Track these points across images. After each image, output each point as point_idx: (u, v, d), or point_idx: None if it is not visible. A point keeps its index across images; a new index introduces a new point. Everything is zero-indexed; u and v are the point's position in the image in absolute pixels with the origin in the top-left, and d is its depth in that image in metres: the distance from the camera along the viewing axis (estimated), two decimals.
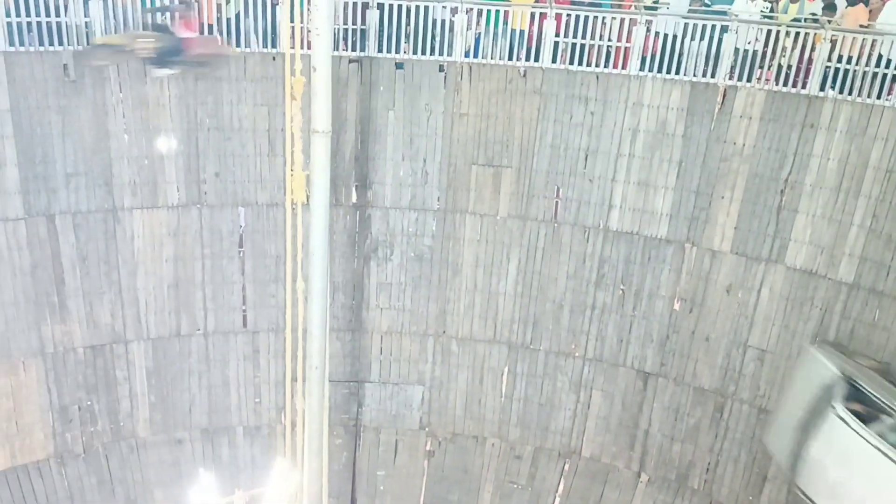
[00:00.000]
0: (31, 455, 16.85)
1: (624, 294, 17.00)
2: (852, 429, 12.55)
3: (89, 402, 17.09)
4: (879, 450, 12.11)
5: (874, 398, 12.67)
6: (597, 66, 16.08)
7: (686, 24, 15.66)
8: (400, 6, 16.16)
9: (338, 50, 16.07)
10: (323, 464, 14.81)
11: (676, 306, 16.76)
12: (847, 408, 12.75)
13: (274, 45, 16.31)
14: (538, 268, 17.25)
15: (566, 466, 18.05)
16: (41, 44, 15.30)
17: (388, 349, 18.11)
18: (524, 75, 16.33)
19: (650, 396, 17.22)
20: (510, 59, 16.38)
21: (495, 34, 16.36)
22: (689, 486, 17.15)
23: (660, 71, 15.84)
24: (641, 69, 15.93)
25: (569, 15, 15.97)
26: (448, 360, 18.07)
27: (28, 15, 15.18)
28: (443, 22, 16.37)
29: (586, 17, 15.92)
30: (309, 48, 14.85)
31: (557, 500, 18.20)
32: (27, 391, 16.55)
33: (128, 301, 16.94)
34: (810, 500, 13.39)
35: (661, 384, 17.14)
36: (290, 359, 14.33)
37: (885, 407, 12.46)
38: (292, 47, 13.04)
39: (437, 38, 16.41)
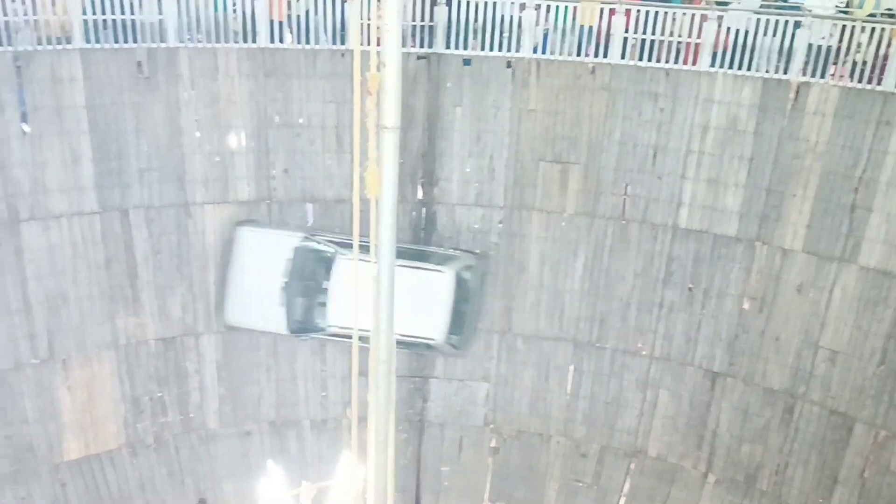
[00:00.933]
0: (104, 445, 18.03)
1: (692, 292, 17.54)
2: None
3: (160, 394, 18.23)
4: None
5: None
6: (666, 62, 16.62)
7: (758, 20, 16.10)
8: (469, 2, 16.87)
9: (406, 46, 16.84)
10: (389, 458, 15.59)
11: (746, 305, 17.26)
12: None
13: (343, 42, 17.18)
14: (605, 265, 17.87)
15: (632, 465, 18.66)
16: (116, 41, 16.41)
17: None
18: (593, 71, 16.97)
19: (718, 396, 17.73)
20: (579, 55, 16.99)
21: (564, 30, 16.99)
22: (757, 487, 17.64)
23: (731, 67, 16.31)
24: (712, 65, 16.43)
25: (638, 11, 16.52)
26: (513, 357, 18.79)
27: (104, 13, 16.27)
28: (511, 18, 17.04)
29: (656, 13, 16.47)
30: (378, 45, 15.82)
31: (623, 499, 18.80)
32: (101, 383, 17.73)
33: (199, 294, 18.03)
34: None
35: (729, 384, 17.62)
36: (357, 353, 15.19)
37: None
38: (362, 44, 13.78)
39: (506, 35, 17.09)
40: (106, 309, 17.41)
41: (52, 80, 16.12)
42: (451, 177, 17.88)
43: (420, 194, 18.08)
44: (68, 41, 16.16)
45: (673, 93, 16.64)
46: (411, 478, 19.40)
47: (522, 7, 16.84)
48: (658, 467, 18.40)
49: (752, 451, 17.61)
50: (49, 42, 16.01)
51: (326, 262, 17.13)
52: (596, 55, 16.90)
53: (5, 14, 15.60)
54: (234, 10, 16.82)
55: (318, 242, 17.27)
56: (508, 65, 17.15)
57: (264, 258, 17.13)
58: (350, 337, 15.39)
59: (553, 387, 18.75)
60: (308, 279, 17.31)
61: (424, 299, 16.73)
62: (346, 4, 16.90)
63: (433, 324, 17.13)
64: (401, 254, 15.59)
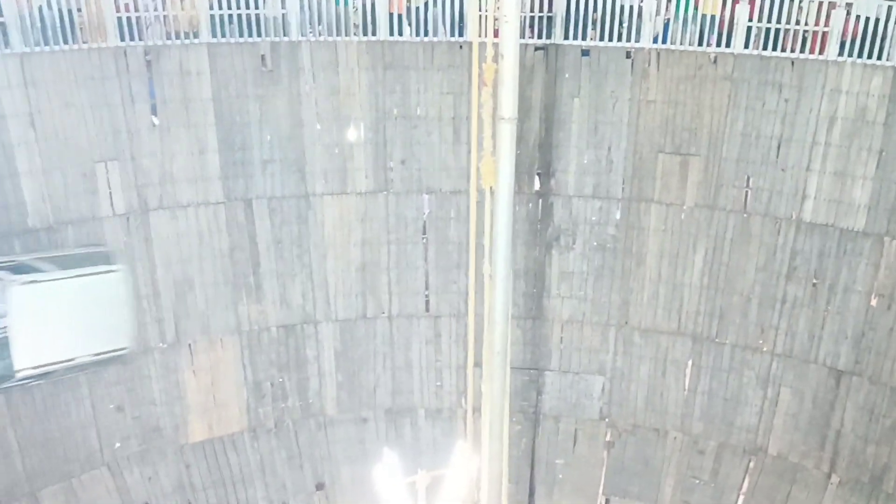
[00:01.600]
0: (227, 428, 19.19)
1: (817, 288, 17.54)
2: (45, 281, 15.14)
3: (281, 380, 19.30)
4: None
5: None
6: (792, 51, 16.64)
7: (889, 7, 15.94)
8: None
9: (524, 37, 17.29)
10: (504, 449, 16.19)
11: (873, 302, 17.16)
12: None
13: (461, 34, 17.80)
14: (726, 259, 18.03)
15: (751, 464, 18.79)
16: (241, 35, 17.40)
17: (569, 338, 19.37)
18: (714, 61, 17.15)
19: (843, 395, 17.71)
20: (700, 44, 17.16)
21: (685, 19, 17.18)
22: (883, 489, 17.51)
23: (860, 56, 16.24)
24: (840, 54, 16.39)
25: None
26: (630, 351, 19.15)
27: (230, 8, 17.26)
28: (631, 8, 17.33)
29: (782, 1, 16.48)
30: (496, 36, 16.37)
31: (741, 497, 18.92)
32: (224, 367, 18.88)
33: (318, 283, 19.00)
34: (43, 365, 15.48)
35: (855, 383, 17.56)
36: (472, 344, 15.86)
37: None
38: (482, 35, 14.31)
39: (625, 25, 17.39)
40: (230, 296, 18.51)
41: (180, 74, 17.20)
42: (568, 168, 18.31)
43: (536, 186, 18.54)
44: (196, 36, 17.20)
45: (798, 83, 16.66)
46: (525, 469, 19.96)
47: None
48: (778, 466, 18.47)
49: (878, 452, 17.49)
50: (177, 37, 17.07)
51: None
52: (718, 45, 17.02)
53: (136, 10, 16.70)
54: (355, 5, 17.60)
55: None
56: (628, 55, 17.45)
57: None
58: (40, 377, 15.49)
59: (670, 381, 19.03)
60: None
61: (101, 308, 15.91)
62: None
63: (120, 332, 16.40)
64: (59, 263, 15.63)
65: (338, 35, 17.56)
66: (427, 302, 19.31)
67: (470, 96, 16.70)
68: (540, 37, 17.62)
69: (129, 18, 16.52)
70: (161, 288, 17.86)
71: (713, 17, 16.97)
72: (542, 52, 17.64)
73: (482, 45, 13.84)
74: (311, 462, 19.66)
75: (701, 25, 17.06)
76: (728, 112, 17.13)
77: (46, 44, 15.96)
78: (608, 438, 19.60)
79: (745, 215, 17.61)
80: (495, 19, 16.79)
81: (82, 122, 16.43)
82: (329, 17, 17.52)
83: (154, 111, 17.09)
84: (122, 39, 16.50)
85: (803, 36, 16.53)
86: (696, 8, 17.03)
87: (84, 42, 16.28)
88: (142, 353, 17.94)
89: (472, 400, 16.40)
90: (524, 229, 18.53)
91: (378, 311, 19.26)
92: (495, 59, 13.35)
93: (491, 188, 14.01)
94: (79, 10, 16.11)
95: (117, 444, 18.01)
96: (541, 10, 17.48)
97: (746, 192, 17.49)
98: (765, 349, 18.12)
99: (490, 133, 13.72)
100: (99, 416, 17.69)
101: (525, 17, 17.34)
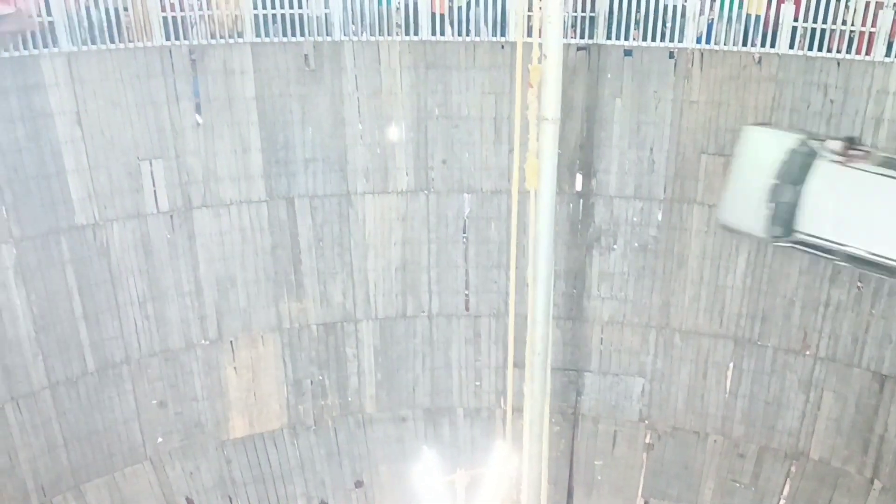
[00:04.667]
0: (267, 424, 19.43)
1: (861, 292, 17.37)
2: (850, 167, 15.74)
3: (321, 377, 19.50)
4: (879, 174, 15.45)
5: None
6: (838, 51, 16.47)
7: None
8: None
9: (566, 38, 17.30)
10: (543, 449, 16.24)
11: None
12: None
13: (503, 34, 17.87)
14: (769, 261, 17.90)
15: (793, 468, 18.70)
16: (284, 35, 17.59)
17: (609, 339, 19.37)
18: (759, 62, 17.07)
19: (887, 400, 17.52)
20: (744, 45, 17.05)
21: (729, 19, 17.13)
22: None
23: None
24: (888, 55, 16.17)
25: None
26: (670, 353, 19.11)
27: (273, 7, 17.46)
28: (674, 7, 17.28)
29: (828, 1, 16.34)
30: (539, 36, 16.40)
31: (782, 501, 18.76)
32: (265, 364, 19.11)
33: (358, 282, 19.16)
34: (816, 237, 16.18)
35: None
36: (513, 344, 15.93)
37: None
38: (528, 35, 14.34)
39: (668, 24, 17.36)
40: (271, 293, 18.73)
41: (224, 73, 17.45)
42: (610, 168, 18.31)
43: (578, 186, 18.57)
44: (240, 35, 17.42)
45: (844, 84, 16.50)
46: (564, 470, 20.00)
47: None
48: (820, 471, 18.37)
49: None
50: (222, 36, 17.31)
51: (809, 164, 16.04)
52: (763, 45, 16.92)
53: (182, 10, 16.96)
54: (398, 4, 17.73)
55: (814, 145, 16.19)
56: (671, 55, 17.42)
57: (763, 159, 16.50)
58: (824, 251, 16.32)
59: (711, 384, 18.97)
60: (795, 183, 16.18)
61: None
62: None
63: None
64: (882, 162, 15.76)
65: (380, 35, 17.69)
66: (467, 301, 19.40)
67: (511, 96, 16.81)
68: (582, 37, 17.62)
69: (174, 18, 16.77)
70: (204, 285, 18.13)
71: (758, 16, 16.87)
72: (584, 52, 17.65)
73: (525, 46, 13.88)
74: (350, 460, 19.83)
75: (745, 25, 16.97)
76: (772, 113, 17.03)
77: (93, 43, 16.26)
78: (648, 440, 19.59)
79: None
80: (539, 19, 16.95)
81: (128, 121, 16.72)
82: (372, 16, 17.65)
83: (198, 110, 17.34)
84: (168, 39, 16.76)
85: (850, 36, 16.38)
86: (740, 7, 16.93)
87: (130, 41, 16.57)
88: (184, 349, 18.19)
89: (511, 400, 16.44)
90: (565, 229, 18.56)
91: (418, 310, 19.38)
92: (539, 59, 13.37)
93: (535, 189, 14.02)
94: (125, 9, 16.38)
95: (160, 439, 18.31)
96: (583, 10, 17.48)
97: None
98: (807, 353, 18.01)
99: (533, 133, 13.73)
100: (142, 410, 18.00)
101: (568, 17, 17.36)
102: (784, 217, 16.32)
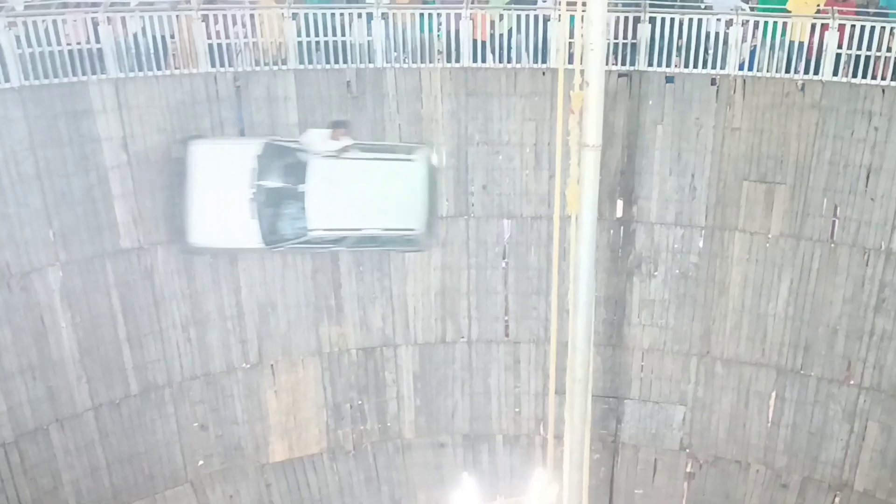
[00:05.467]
0: (307, 449, 19.48)
1: None
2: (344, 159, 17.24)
3: (360, 402, 19.53)
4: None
5: None
6: (882, 78, 16.38)
7: None
8: (672, 19, 17.24)
9: (608, 64, 17.27)
10: (584, 478, 16.12)
11: None
12: None
13: (544, 61, 17.93)
14: (812, 290, 17.75)
15: (837, 499, 18.37)
16: (327, 62, 17.78)
17: (650, 367, 19.24)
18: (802, 89, 16.98)
19: None
20: (787, 72, 16.98)
21: (772, 46, 17.09)
22: None
23: None
24: None
25: (853, 26, 16.37)
26: (712, 382, 18.93)
27: (316, 35, 17.67)
28: (717, 34, 17.28)
29: (872, 28, 16.27)
30: (581, 63, 16.42)
31: None
32: (305, 388, 19.19)
33: (397, 307, 19.20)
34: (329, 229, 17.20)
35: None
36: (553, 371, 15.86)
37: None
38: (569, 62, 14.35)
39: (710, 51, 17.34)
40: (311, 318, 18.82)
41: (267, 99, 17.66)
42: (651, 195, 18.25)
43: (619, 212, 18.54)
44: (283, 62, 17.63)
45: (889, 111, 16.38)
46: (604, 499, 19.85)
47: (729, 23, 17.03)
48: (865, 503, 18.10)
49: None
50: (266, 63, 17.54)
51: (298, 164, 16.85)
52: (806, 72, 16.85)
53: (227, 37, 17.22)
54: (439, 32, 17.88)
55: (284, 142, 17.07)
56: (713, 82, 17.37)
57: (225, 171, 16.71)
58: (331, 242, 17.22)
59: (753, 413, 18.78)
60: (279, 185, 16.85)
61: (399, 190, 17.35)
62: (549, 23, 17.56)
63: (412, 214, 17.45)
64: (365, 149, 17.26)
65: (422, 62, 17.79)
66: (506, 327, 19.39)
67: (552, 122, 16.85)
68: (624, 63, 17.61)
69: (219, 45, 17.03)
70: (245, 309, 18.28)
71: (801, 43, 16.81)
72: (625, 78, 17.64)
73: (566, 73, 13.88)
74: (389, 485, 19.84)
75: (788, 52, 16.90)
76: (815, 140, 16.93)
77: (140, 69, 16.56)
78: (689, 469, 19.41)
79: (832, 245, 17.36)
80: (580, 46, 16.98)
81: (172, 146, 16.91)
82: (413, 43, 17.78)
83: (242, 135, 17.51)
84: (213, 66, 17.01)
85: (894, 63, 16.27)
86: (783, 35, 16.86)
87: (176, 68, 16.84)
88: (225, 372, 18.34)
89: (552, 427, 16.36)
90: (605, 256, 18.51)
91: (457, 336, 19.39)
92: (580, 86, 13.37)
93: (576, 214, 13.99)
94: (172, 37, 16.67)
95: (200, 462, 18.43)
96: (625, 37, 17.48)
97: (834, 221, 17.24)
98: (851, 382, 17.79)
99: (574, 160, 13.72)
100: (183, 433, 18.14)
101: (609, 44, 17.31)
102: (279, 221, 16.85)
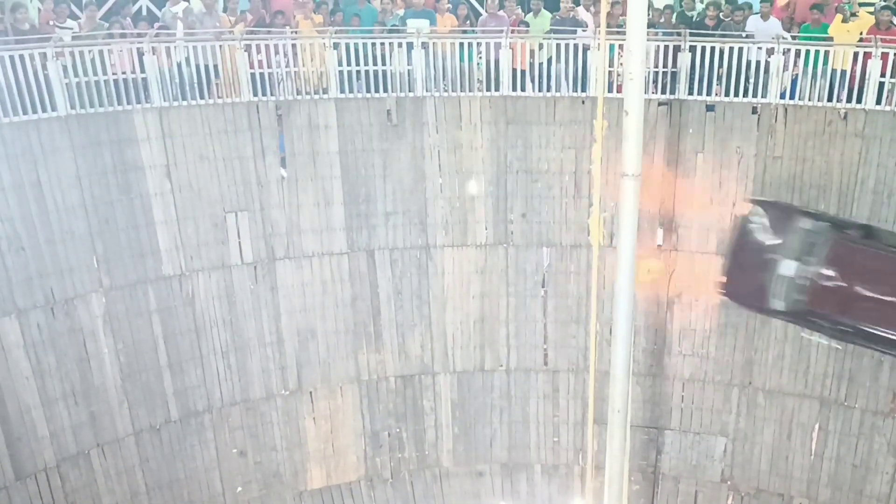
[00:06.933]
0: (345, 476, 19.49)
1: None
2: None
3: (398, 430, 19.52)
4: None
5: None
6: None
7: None
8: (713, 48, 17.22)
9: (647, 93, 17.26)
10: None
11: None
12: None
13: (584, 89, 17.96)
14: None
15: None
16: (368, 91, 17.94)
17: (690, 397, 19.05)
18: (844, 117, 16.84)
19: None
20: (829, 100, 16.86)
21: (814, 74, 17.01)
22: None
23: None
24: None
25: None
26: (753, 413, 18.68)
27: (357, 64, 17.85)
28: (758, 63, 17.23)
29: None
30: (619, 91, 16.48)
31: None
32: (343, 415, 19.22)
33: (436, 334, 19.22)
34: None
35: None
36: (592, 400, 15.80)
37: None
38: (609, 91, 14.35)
39: (751, 80, 17.29)
40: (350, 345, 18.89)
41: (308, 128, 17.84)
42: (692, 224, 18.14)
43: (659, 240, 18.44)
44: (325, 91, 17.83)
45: None
46: None
47: (770, 52, 16.97)
48: None
49: None
50: (307, 92, 17.73)
51: None
52: (849, 100, 16.72)
53: (269, 66, 17.44)
54: (479, 61, 17.97)
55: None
56: (754, 110, 17.28)
57: None
58: None
59: (796, 445, 18.50)
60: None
61: None
62: (588, 52, 17.61)
63: None
64: None
65: (461, 91, 17.92)
66: (545, 356, 19.31)
67: (591, 151, 16.80)
68: (664, 92, 17.60)
69: (261, 75, 17.23)
70: (285, 335, 18.38)
71: (843, 72, 16.71)
72: (665, 107, 17.59)
73: (606, 101, 13.94)
74: None
75: (830, 81, 16.79)
76: (859, 169, 16.76)
77: (184, 98, 16.79)
78: (730, 502, 19.16)
79: None
80: (619, 75, 17.05)
81: (215, 174, 17.17)
82: (453, 73, 17.90)
83: (283, 164, 17.73)
84: (255, 95, 17.23)
85: None
86: (825, 63, 16.76)
87: (219, 97, 17.07)
88: (264, 399, 18.42)
89: (592, 457, 16.27)
90: (645, 284, 18.35)
91: (496, 364, 19.34)
92: (616, 115, 13.48)
93: (604, 243, 14.08)
94: (215, 66, 16.86)
95: (239, 489, 18.49)
96: (665, 66, 17.47)
97: None
98: None
99: (596, 189, 13.85)
100: (222, 459, 18.22)
101: (649, 73, 17.35)
102: None
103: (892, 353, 15.65)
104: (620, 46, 16.23)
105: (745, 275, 16.34)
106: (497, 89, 17.94)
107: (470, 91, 17.98)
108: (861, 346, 16.48)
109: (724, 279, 16.74)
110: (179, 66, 16.82)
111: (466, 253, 18.80)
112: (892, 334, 15.23)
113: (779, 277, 15.71)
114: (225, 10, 18.85)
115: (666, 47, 17.42)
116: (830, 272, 15.41)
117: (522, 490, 19.86)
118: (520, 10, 19.49)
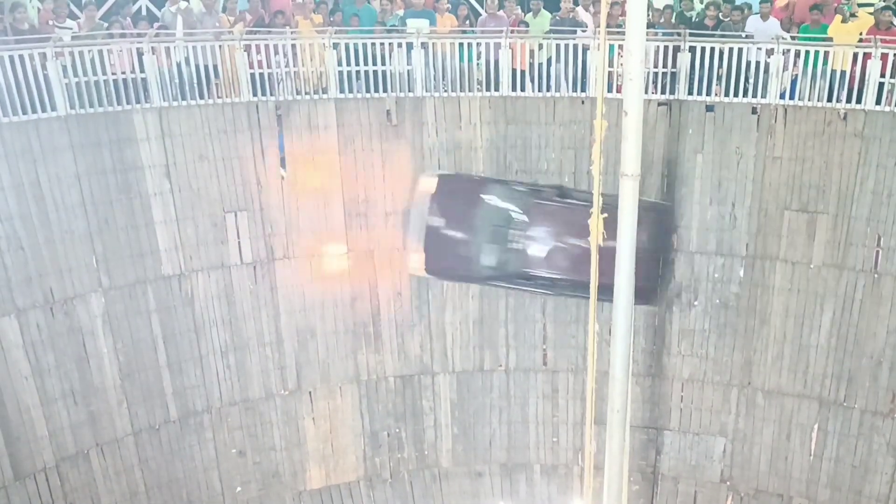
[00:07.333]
0: (344, 476, 19.47)
1: None
2: None
3: (397, 430, 19.51)
4: None
5: None
6: None
7: None
8: (713, 49, 17.20)
9: (647, 93, 17.29)
10: None
11: None
12: None
13: (583, 90, 17.96)
14: (855, 320, 17.47)
15: None
16: (367, 91, 17.94)
17: (689, 397, 19.01)
18: (844, 118, 16.83)
19: None
20: (829, 100, 16.83)
21: (814, 75, 17.00)
22: None
23: None
24: None
25: None
26: (752, 413, 18.65)
27: (357, 64, 17.84)
28: (757, 63, 17.22)
29: None
30: (618, 92, 16.46)
31: None
32: (342, 415, 19.21)
33: (435, 334, 19.20)
34: None
35: None
36: (591, 401, 15.75)
37: None
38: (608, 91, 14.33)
39: (751, 80, 17.27)
40: (350, 345, 18.88)
41: (308, 128, 17.82)
42: (690, 224, 18.12)
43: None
44: (324, 91, 17.82)
45: None
46: None
47: (770, 52, 16.97)
48: None
49: None
50: (307, 92, 17.72)
51: None
52: (848, 101, 16.69)
53: (269, 67, 17.43)
54: (479, 61, 17.97)
55: None
56: (754, 111, 17.27)
57: None
58: None
59: (795, 446, 18.48)
60: None
61: None
62: (588, 52, 17.61)
63: None
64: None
65: (461, 91, 17.91)
66: (545, 356, 19.29)
67: (591, 151, 16.77)
68: (663, 92, 17.60)
69: (261, 75, 17.22)
70: (284, 336, 18.37)
71: (843, 72, 16.70)
72: (665, 107, 17.60)
73: (605, 101, 13.84)
74: None
75: (830, 81, 16.78)
76: (858, 170, 16.74)
77: (183, 98, 16.77)
78: (729, 502, 19.15)
79: (875, 275, 17.10)
80: (619, 75, 17.03)
81: (214, 174, 17.16)
82: (453, 73, 17.90)
83: (283, 164, 17.72)
84: (255, 95, 17.24)
85: None
86: (825, 63, 16.76)
87: (219, 97, 17.05)
88: (263, 399, 18.41)
89: (590, 458, 16.22)
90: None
91: (495, 364, 19.33)
92: (615, 115, 13.45)
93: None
94: (214, 66, 16.85)
95: (238, 488, 18.49)
96: (664, 67, 17.46)
97: (877, 251, 16.97)
98: None
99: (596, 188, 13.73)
100: (222, 459, 18.21)
101: (649, 73, 17.35)
102: None
103: (604, 298, 15.89)
104: (620, 46, 16.20)
105: (445, 248, 17.02)
106: (497, 89, 17.94)
107: (469, 91, 17.97)
108: (569, 296, 17.54)
109: (421, 256, 17.10)
110: (179, 66, 16.82)
111: None
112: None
113: (484, 244, 16.71)
114: (224, 10, 18.82)
115: (665, 47, 17.42)
116: (534, 232, 16.64)
117: (521, 490, 19.85)
118: (519, 11, 19.50)
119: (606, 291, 14.59)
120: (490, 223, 16.74)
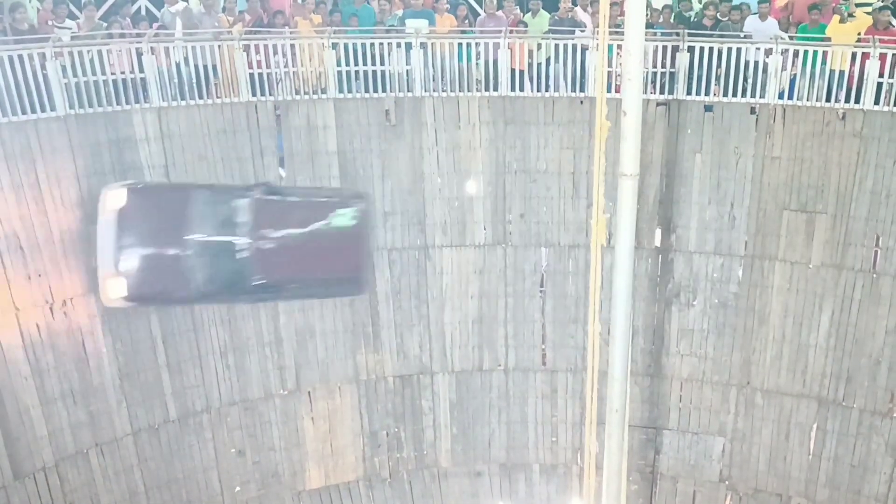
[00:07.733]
0: (343, 476, 19.47)
1: None
2: None
3: (397, 430, 19.52)
4: None
5: None
6: None
7: None
8: (711, 49, 17.25)
9: (646, 93, 17.33)
10: None
11: None
12: None
13: (582, 90, 17.98)
14: (853, 320, 17.50)
15: None
16: (366, 91, 17.95)
17: (688, 397, 19.05)
18: (843, 118, 16.85)
19: None
20: (828, 101, 16.89)
21: (812, 75, 17.03)
22: None
23: None
24: None
25: (894, 54, 16.35)
26: (751, 412, 18.68)
27: (356, 64, 17.85)
28: (756, 63, 17.25)
29: None
30: (617, 92, 16.47)
31: None
32: (342, 415, 19.21)
33: (435, 334, 19.21)
34: None
35: None
36: (591, 400, 15.76)
37: None
38: (607, 91, 14.32)
39: (749, 80, 17.31)
40: (349, 345, 18.88)
41: (307, 128, 17.83)
42: (689, 224, 18.16)
43: (657, 241, 18.45)
44: (323, 91, 17.83)
45: None
46: None
47: (769, 52, 16.99)
48: None
49: None
50: (306, 92, 17.73)
51: None
52: (847, 101, 16.73)
53: (268, 67, 17.43)
54: (478, 61, 17.99)
55: None
56: (752, 111, 17.31)
57: None
58: None
59: (794, 445, 18.50)
60: None
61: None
62: (587, 52, 17.63)
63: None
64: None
65: (460, 91, 17.93)
66: (544, 356, 19.31)
67: (590, 151, 16.86)
68: (662, 92, 17.64)
69: (260, 75, 17.23)
70: (283, 335, 18.36)
71: (842, 72, 16.73)
72: (663, 107, 17.63)
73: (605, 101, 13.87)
74: None
75: (829, 81, 16.82)
76: (857, 169, 16.78)
77: (182, 98, 16.77)
78: (728, 502, 19.17)
79: (874, 275, 17.13)
80: (618, 75, 17.05)
81: (214, 174, 17.15)
82: (452, 73, 17.92)
83: (282, 164, 17.72)
84: (254, 95, 17.24)
85: None
86: (823, 63, 16.79)
87: (218, 97, 17.05)
88: (263, 399, 18.41)
89: (589, 457, 16.23)
90: (643, 285, 18.42)
91: (494, 364, 19.35)
92: (615, 115, 13.41)
93: (603, 244, 14.02)
94: (213, 66, 16.86)
95: (237, 488, 18.48)
96: (663, 66, 17.50)
97: (876, 251, 17.01)
98: (895, 415, 17.47)
99: (599, 190, 13.75)
100: (221, 459, 18.20)
101: (647, 74, 17.38)
102: None
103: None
104: (619, 46, 16.20)
105: (149, 269, 15.11)
106: (496, 89, 17.97)
107: (468, 91, 18.00)
108: (304, 298, 17.27)
109: (120, 282, 15.07)
110: (178, 66, 16.83)
111: (465, 253, 18.82)
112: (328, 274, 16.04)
113: (198, 258, 15.09)
114: (223, 11, 18.83)
115: (664, 47, 17.47)
116: (256, 235, 15.44)
117: (521, 490, 19.87)
118: (518, 11, 19.54)
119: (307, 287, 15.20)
120: (203, 233, 15.21)
